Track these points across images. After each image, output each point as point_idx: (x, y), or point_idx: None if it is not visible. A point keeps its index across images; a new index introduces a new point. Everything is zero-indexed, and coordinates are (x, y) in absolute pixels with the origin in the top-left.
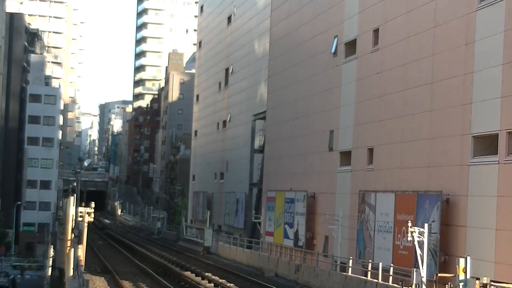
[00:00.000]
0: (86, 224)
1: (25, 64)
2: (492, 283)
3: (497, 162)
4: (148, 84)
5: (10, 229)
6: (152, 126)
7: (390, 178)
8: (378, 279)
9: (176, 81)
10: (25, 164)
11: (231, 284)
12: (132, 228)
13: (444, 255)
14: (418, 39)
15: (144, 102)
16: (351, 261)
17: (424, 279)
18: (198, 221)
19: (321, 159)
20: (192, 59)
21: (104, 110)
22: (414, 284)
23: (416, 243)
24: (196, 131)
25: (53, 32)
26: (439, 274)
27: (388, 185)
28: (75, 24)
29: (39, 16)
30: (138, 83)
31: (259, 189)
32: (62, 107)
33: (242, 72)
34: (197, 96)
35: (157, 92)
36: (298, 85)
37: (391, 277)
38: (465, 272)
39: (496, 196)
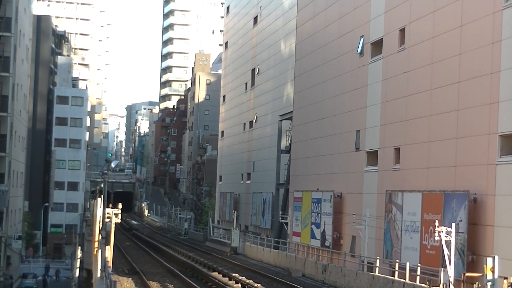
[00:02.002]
0: (113, 225)
1: (52, 66)
2: None
3: None
4: (174, 85)
5: (38, 230)
6: (178, 127)
7: (417, 178)
8: (405, 279)
9: (202, 82)
10: (53, 166)
11: (258, 285)
12: (159, 229)
13: (471, 254)
14: (445, 39)
15: (171, 103)
16: (378, 261)
17: (451, 279)
18: (225, 222)
19: (348, 159)
20: (219, 60)
21: (131, 111)
22: (441, 283)
23: (443, 242)
24: (222, 132)
25: (80, 34)
26: (466, 274)
27: (415, 184)
28: (102, 26)
29: (66, 18)
30: (164, 84)
31: (286, 189)
32: (89, 109)
33: (268, 73)
34: (224, 96)
35: (183, 93)
36: (324, 85)
37: (418, 277)
38: (493, 272)
39: None
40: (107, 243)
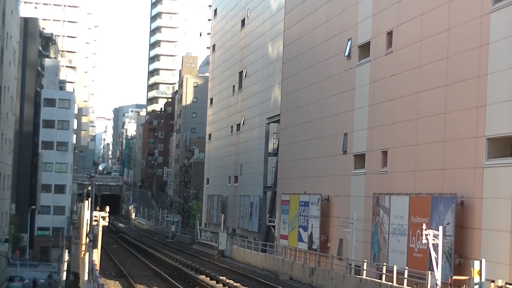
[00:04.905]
0: (101, 228)
1: (39, 68)
2: (508, 285)
3: None
4: (162, 88)
5: (25, 233)
6: (166, 130)
7: (404, 181)
8: (392, 282)
9: (190, 84)
10: (40, 168)
11: None
12: (147, 231)
13: (459, 257)
14: (432, 42)
15: (158, 106)
16: (365, 264)
17: (439, 282)
18: (212, 225)
19: (335, 162)
20: (206, 63)
21: (118, 114)
22: (429, 286)
23: (430, 245)
24: (210, 135)
25: (67, 36)
26: (454, 277)
27: (402, 187)
28: (89, 28)
29: (53, 20)
30: (152, 86)
31: (273, 192)
32: (76, 111)
33: (256, 75)
34: (211, 99)
35: (171, 96)
36: (312, 88)
37: (405, 280)
38: (480, 275)
39: (511, 198)
40: (95, 246)
